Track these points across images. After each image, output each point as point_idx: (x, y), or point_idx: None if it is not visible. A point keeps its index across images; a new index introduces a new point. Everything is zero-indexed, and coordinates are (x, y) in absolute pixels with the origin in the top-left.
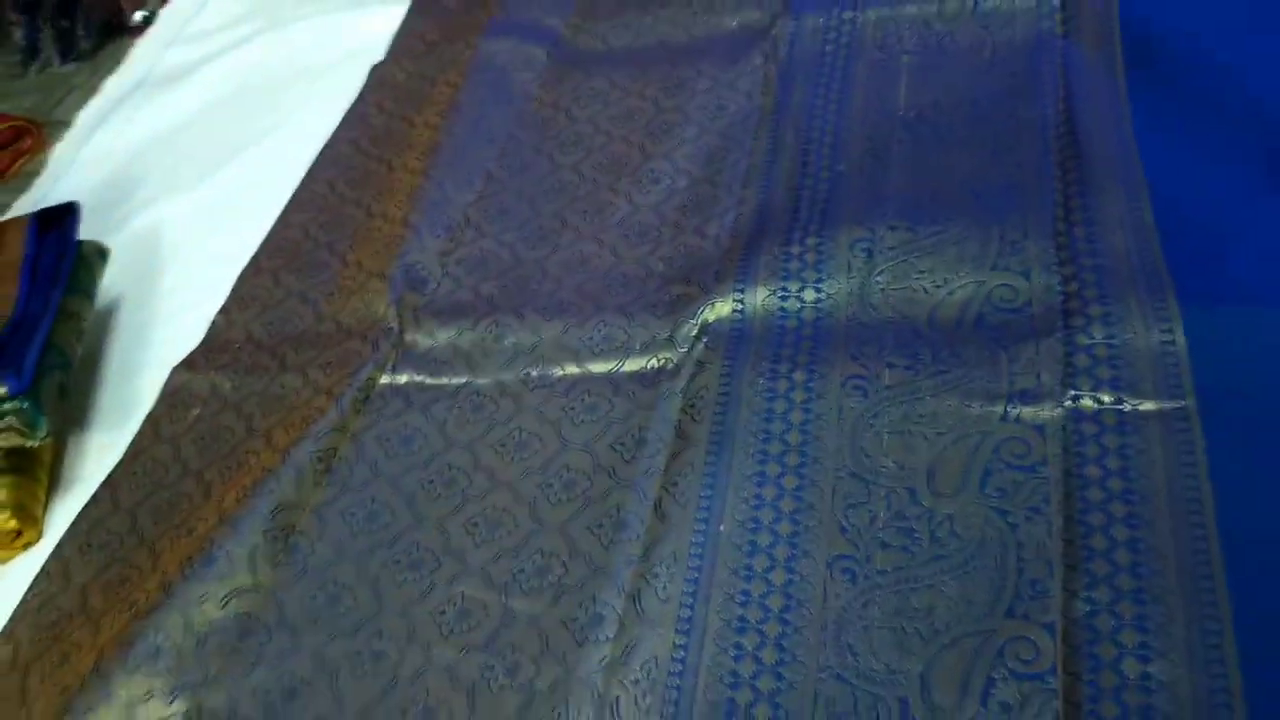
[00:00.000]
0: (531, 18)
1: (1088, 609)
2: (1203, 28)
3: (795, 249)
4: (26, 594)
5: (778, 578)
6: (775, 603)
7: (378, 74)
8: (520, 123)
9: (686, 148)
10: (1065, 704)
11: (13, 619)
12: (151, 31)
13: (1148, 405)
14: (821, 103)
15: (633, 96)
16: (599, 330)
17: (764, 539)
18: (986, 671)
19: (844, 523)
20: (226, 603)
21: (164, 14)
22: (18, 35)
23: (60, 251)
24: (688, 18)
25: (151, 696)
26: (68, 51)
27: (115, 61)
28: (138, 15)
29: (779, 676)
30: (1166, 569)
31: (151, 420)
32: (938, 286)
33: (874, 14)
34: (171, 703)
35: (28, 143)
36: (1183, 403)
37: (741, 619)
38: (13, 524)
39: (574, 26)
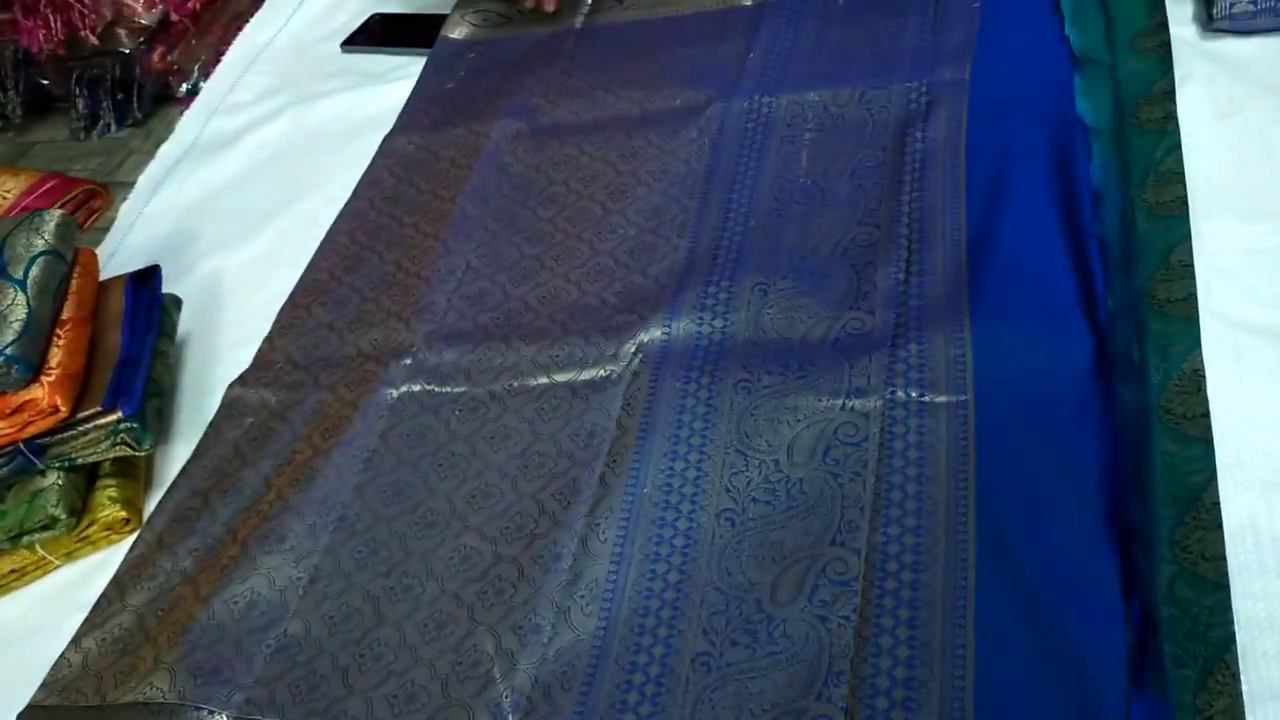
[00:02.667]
0: (523, 100)
1: (884, 539)
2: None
3: (712, 289)
4: (128, 554)
5: (681, 524)
6: (679, 542)
7: (388, 144)
8: (510, 184)
9: (637, 204)
10: (861, 599)
11: (119, 573)
12: (195, 102)
13: (940, 398)
14: (742, 170)
15: (597, 161)
16: (563, 349)
17: (673, 497)
18: (814, 580)
19: (728, 485)
20: (298, 563)
21: (205, 87)
22: (81, 105)
23: (150, 304)
24: (641, 96)
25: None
26: (123, 119)
27: (166, 128)
28: (183, 87)
29: (678, 589)
30: (937, 510)
31: (214, 426)
32: (810, 318)
33: (785, 99)
34: (265, 631)
35: (98, 203)
36: (964, 396)
37: (655, 553)
38: (123, 514)
39: (551, 102)
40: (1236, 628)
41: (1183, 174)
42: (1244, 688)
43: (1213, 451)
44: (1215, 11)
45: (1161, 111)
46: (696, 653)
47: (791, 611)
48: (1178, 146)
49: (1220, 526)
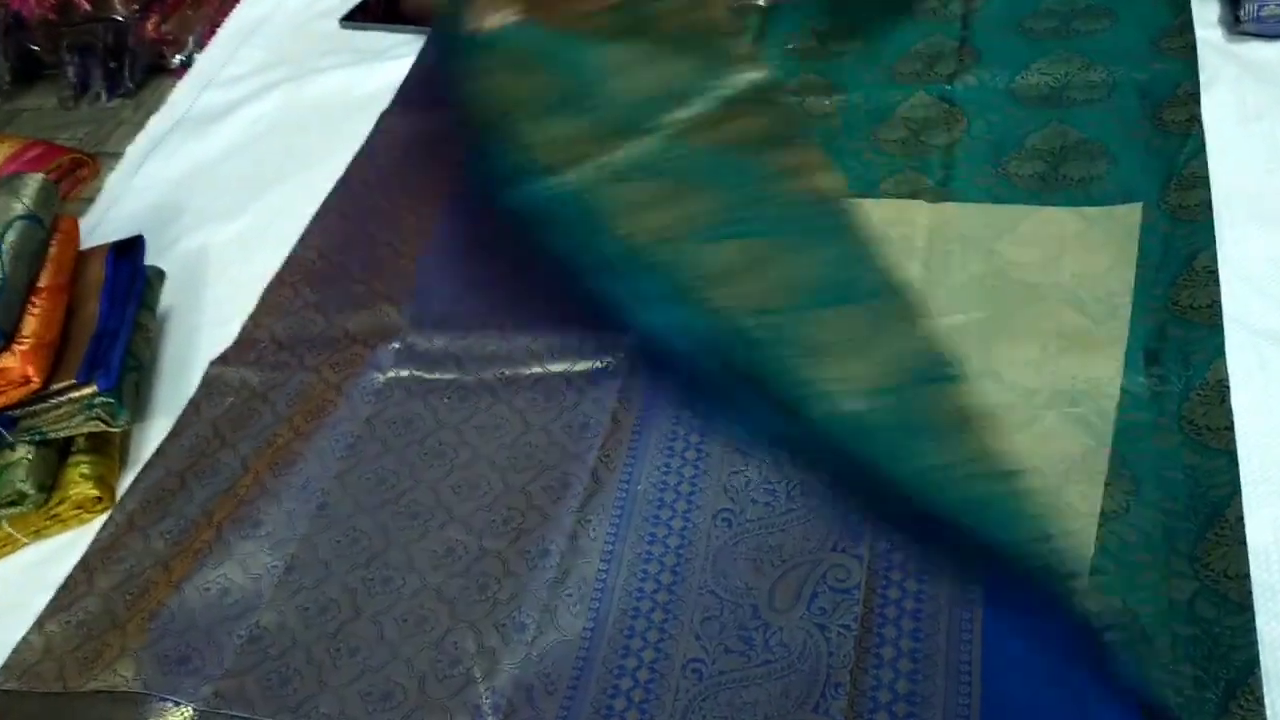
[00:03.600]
0: None
1: (887, 546)
2: None
3: None
4: (98, 535)
5: (676, 524)
6: (673, 541)
7: (384, 122)
8: None
9: None
10: (863, 608)
11: (87, 555)
12: (189, 74)
13: None
14: None
15: None
16: (558, 339)
17: (669, 496)
18: (813, 587)
19: (727, 484)
20: (275, 550)
21: (200, 59)
22: (71, 73)
23: (132, 275)
24: None
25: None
26: (115, 89)
27: (158, 100)
28: (177, 58)
29: (671, 591)
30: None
31: (194, 404)
32: None
33: None
34: (237, 621)
35: (85, 172)
36: None
37: (648, 553)
38: (95, 492)
39: None
40: (1260, 649)
41: (1207, 178)
42: (1268, 713)
43: (1236, 464)
44: (1242, 14)
45: (1186, 114)
46: (688, 659)
47: (789, 619)
48: (1202, 150)
49: (1244, 543)
